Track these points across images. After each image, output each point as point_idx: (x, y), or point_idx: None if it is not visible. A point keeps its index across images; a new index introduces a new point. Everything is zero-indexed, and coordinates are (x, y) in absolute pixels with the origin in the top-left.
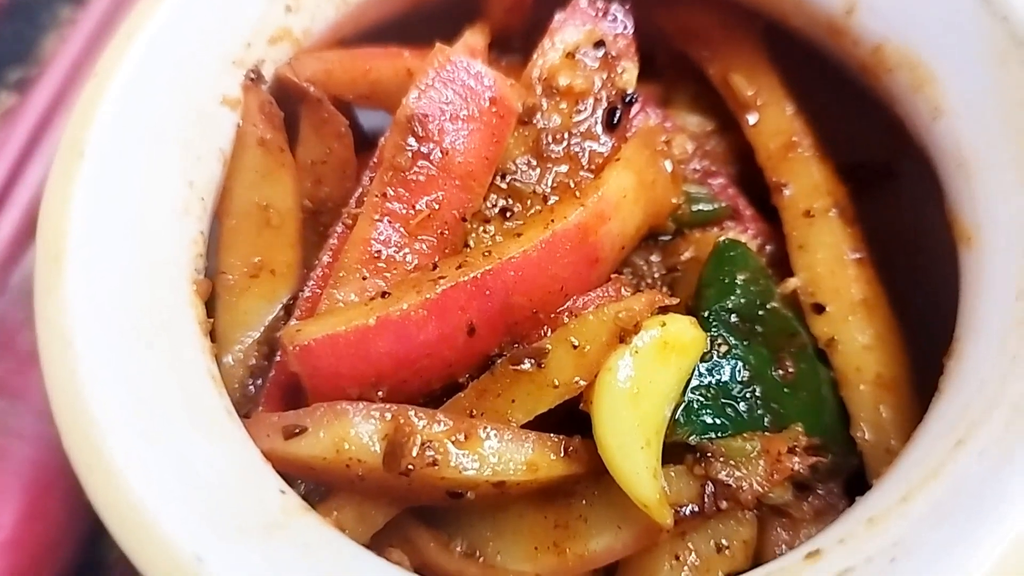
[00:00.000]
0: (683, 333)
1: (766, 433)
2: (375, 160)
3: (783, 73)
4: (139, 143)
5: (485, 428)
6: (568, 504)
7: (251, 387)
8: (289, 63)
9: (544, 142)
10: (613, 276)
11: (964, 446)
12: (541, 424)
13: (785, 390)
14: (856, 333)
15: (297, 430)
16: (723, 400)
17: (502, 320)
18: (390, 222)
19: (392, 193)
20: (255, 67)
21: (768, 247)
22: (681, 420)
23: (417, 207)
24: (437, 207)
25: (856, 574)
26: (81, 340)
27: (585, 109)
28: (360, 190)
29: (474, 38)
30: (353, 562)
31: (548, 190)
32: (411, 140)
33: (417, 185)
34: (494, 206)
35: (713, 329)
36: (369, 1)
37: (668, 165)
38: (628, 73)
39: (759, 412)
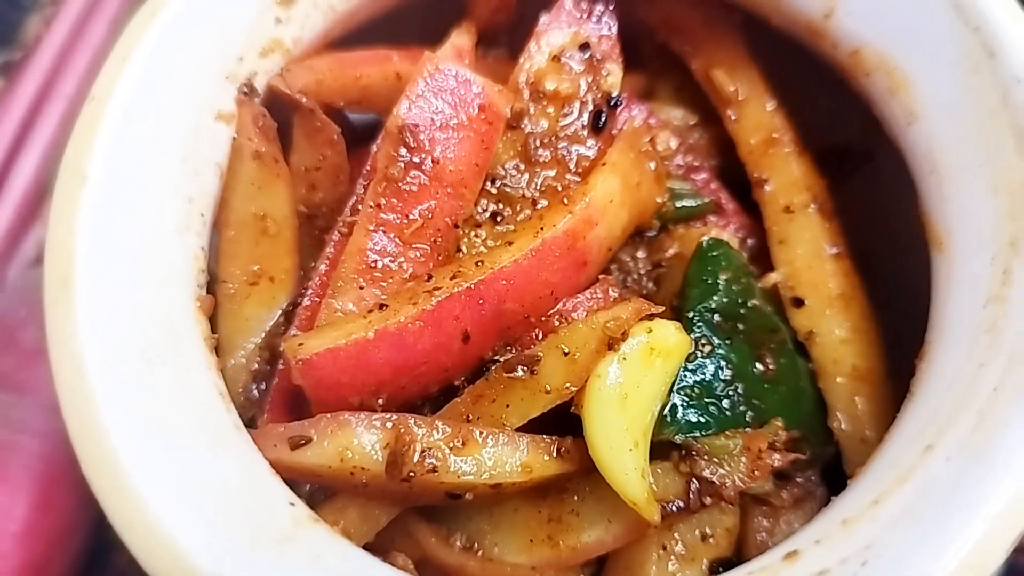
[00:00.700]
0: (668, 338)
1: (748, 429)
2: (368, 168)
3: (764, 57)
4: (139, 164)
5: (482, 433)
6: (561, 499)
7: (254, 391)
8: (281, 74)
9: (532, 146)
10: (601, 277)
11: (933, 451)
12: (534, 425)
13: (766, 385)
14: (834, 327)
15: (302, 441)
16: (707, 399)
17: (495, 326)
18: (385, 232)
19: (386, 203)
20: (248, 80)
21: (750, 241)
22: (667, 419)
23: (411, 216)
24: (430, 215)
25: (832, 575)
26: (93, 364)
27: (571, 112)
28: (354, 198)
29: (461, 38)
30: (362, 570)
31: (537, 194)
32: (403, 151)
33: (410, 195)
34: (485, 211)
35: (697, 329)
36: (357, 5)
37: (652, 164)
38: (613, 76)
39: (741, 408)
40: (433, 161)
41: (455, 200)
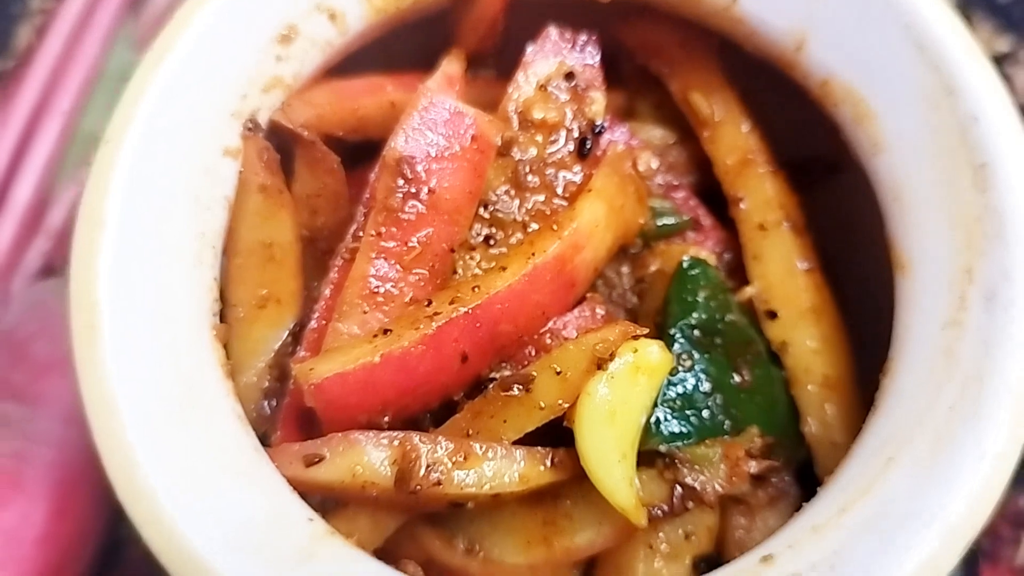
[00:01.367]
0: (652, 356)
1: (727, 438)
2: (367, 196)
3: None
4: (154, 206)
5: (482, 447)
6: (555, 504)
7: (265, 407)
8: (282, 109)
9: (522, 172)
10: (588, 296)
11: (893, 463)
12: (529, 437)
13: (742, 395)
14: (805, 338)
15: (316, 459)
16: (688, 410)
17: (491, 346)
18: (386, 259)
19: (386, 232)
20: (252, 117)
21: (726, 255)
22: (652, 431)
23: (410, 244)
24: (428, 242)
25: None
26: (124, 402)
27: (558, 140)
28: (355, 225)
29: (451, 66)
30: None
31: (527, 218)
32: (400, 182)
33: (408, 224)
34: (478, 235)
35: (679, 344)
36: (351, 40)
37: (634, 187)
38: (597, 104)
39: (720, 418)
40: (429, 191)
41: (451, 226)
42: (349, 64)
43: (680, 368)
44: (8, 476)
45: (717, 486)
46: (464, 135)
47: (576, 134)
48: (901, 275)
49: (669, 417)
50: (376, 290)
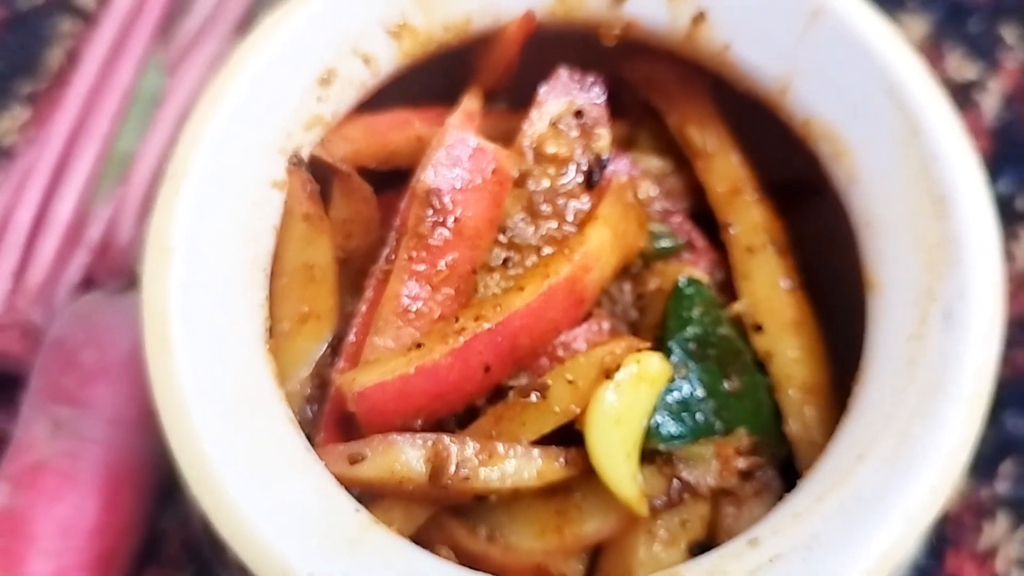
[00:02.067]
0: (653, 367)
1: (718, 438)
2: (398, 223)
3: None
4: (213, 234)
5: (504, 447)
6: (567, 496)
7: (308, 412)
8: (322, 144)
9: (536, 202)
10: (595, 311)
11: (863, 460)
12: (544, 438)
13: (732, 400)
14: (787, 348)
15: (359, 458)
16: (684, 414)
17: (511, 357)
18: (417, 280)
19: (416, 256)
20: (296, 152)
21: (717, 274)
22: (653, 432)
23: (438, 267)
24: (454, 265)
25: (784, 558)
26: (195, 409)
27: (567, 172)
28: (387, 248)
29: (471, 103)
30: (418, 562)
31: (541, 242)
32: (429, 212)
33: (437, 249)
34: (498, 258)
35: (676, 356)
36: (382, 80)
37: (636, 214)
38: (603, 140)
39: (712, 420)
40: (455, 219)
41: (474, 251)
42: (376, 98)
43: (677, 377)
44: (63, 473)
45: (710, 480)
46: (486, 169)
47: (584, 167)
48: (871, 294)
49: (668, 420)
50: (408, 308)
